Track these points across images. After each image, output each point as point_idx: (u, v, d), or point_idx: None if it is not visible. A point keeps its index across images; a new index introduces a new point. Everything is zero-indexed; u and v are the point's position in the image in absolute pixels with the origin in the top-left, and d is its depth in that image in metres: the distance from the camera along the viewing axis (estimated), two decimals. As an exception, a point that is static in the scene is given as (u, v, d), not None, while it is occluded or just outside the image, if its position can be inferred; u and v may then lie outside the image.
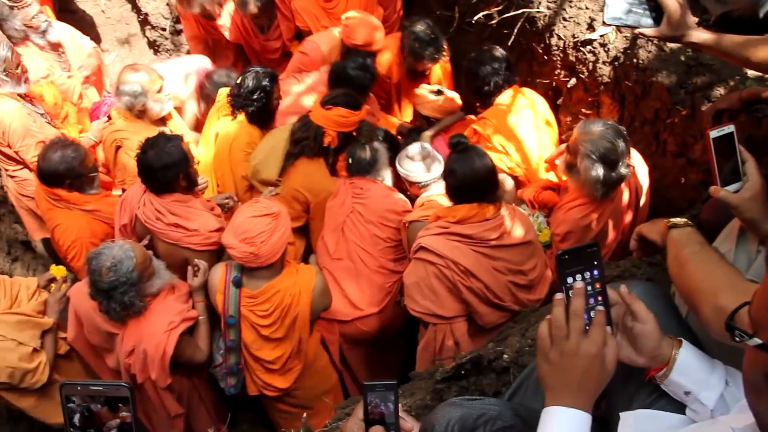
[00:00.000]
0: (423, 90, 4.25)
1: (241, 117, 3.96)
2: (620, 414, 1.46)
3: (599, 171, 2.94)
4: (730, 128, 1.67)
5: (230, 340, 3.22)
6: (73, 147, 3.60)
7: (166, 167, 3.25)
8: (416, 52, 4.26)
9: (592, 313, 1.37)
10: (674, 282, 1.65)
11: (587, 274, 1.39)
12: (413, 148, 3.60)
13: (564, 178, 3.33)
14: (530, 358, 2.12)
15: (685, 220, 1.70)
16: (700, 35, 2.05)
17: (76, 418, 1.38)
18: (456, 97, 4.26)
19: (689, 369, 1.43)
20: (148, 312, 3.02)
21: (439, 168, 3.48)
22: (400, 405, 1.59)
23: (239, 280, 3.14)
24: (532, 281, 3.04)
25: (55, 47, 4.80)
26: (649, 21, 2.05)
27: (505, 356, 2.16)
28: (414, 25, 4.30)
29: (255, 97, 3.86)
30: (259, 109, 3.92)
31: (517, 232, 2.99)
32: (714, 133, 1.65)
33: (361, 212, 3.49)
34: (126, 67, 4.09)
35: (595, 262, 1.39)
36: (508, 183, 3.71)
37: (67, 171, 3.55)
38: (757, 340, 0.97)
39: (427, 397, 2.17)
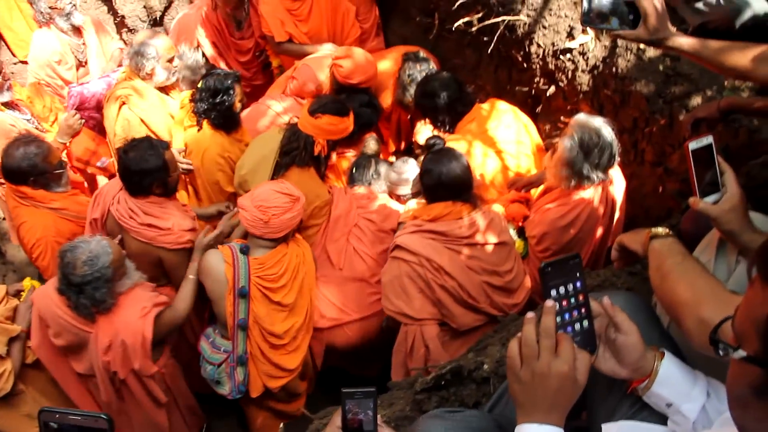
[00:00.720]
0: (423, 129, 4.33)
1: (207, 126, 3.90)
2: (602, 425, 1.45)
3: (573, 153, 2.99)
4: (708, 139, 1.66)
5: (240, 318, 3.17)
6: (36, 143, 3.53)
7: (142, 173, 3.23)
8: (406, 87, 4.26)
9: (577, 326, 1.37)
10: (656, 293, 1.65)
11: (570, 286, 1.38)
12: (402, 163, 3.72)
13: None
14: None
15: (666, 230, 1.69)
16: (679, 40, 2.06)
17: None
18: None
19: (671, 381, 1.43)
20: (117, 307, 2.98)
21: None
22: (379, 415, 1.57)
23: (247, 248, 3.17)
24: (508, 284, 3.05)
25: (78, 32, 4.96)
26: (627, 24, 2.07)
27: (485, 366, 2.14)
28: (412, 62, 4.29)
29: (217, 101, 3.79)
30: (222, 114, 3.84)
31: (492, 232, 3.03)
32: (693, 145, 1.64)
33: (366, 223, 3.55)
34: (146, 31, 4.28)
35: (578, 274, 1.39)
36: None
37: (29, 168, 3.48)
38: (741, 353, 0.96)
39: (407, 408, 2.14)
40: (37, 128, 4.30)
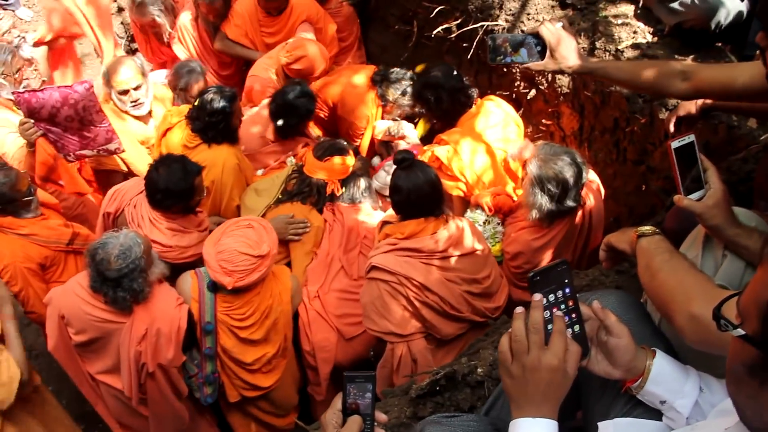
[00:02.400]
0: (382, 123, 4.34)
1: (223, 147, 3.91)
2: (598, 423, 1.46)
3: (539, 199, 2.94)
4: (690, 138, 1.68)
5: (207, 348, 3.14)
6: (4, 171, 3.44)
7: (167, 192, 3.30)
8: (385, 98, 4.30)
9: (569, 331, 1.38)
10: (646, 291, 1.66)
11: (559, 293, 1.40)
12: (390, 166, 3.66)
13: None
14: (504, 370, 2.11)
15: (652, 228, 1.71)
16: (589, 66, 2.15)
17: None
18: (413, 132, 4.36)
19: (664, 379, 1.44)
20: (152, 296, 2.99)
21: None
22: (387, 419, 1.58)
23: (214, 285, 3.09)
24: (487, 289, 3.04)
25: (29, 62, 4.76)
26: (535, 56, 2.13)
27: (479, 370, 2.15)
28: (388, 75, 4.33)
29: (216, 119, 3.79)
30: (221, 132, 3.85)
31: (467, 242, 3.00)
32: (675, 144, 1.66)
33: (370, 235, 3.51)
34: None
35: (566, 280, 1.40)
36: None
37: None
38: (740, 331, 0.99)
39: (402, 415, 2.15)
40: None
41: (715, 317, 1.06)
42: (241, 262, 2.95)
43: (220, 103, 3.76)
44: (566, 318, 1.39)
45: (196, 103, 3.86)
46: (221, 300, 3.10)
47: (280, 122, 4.11)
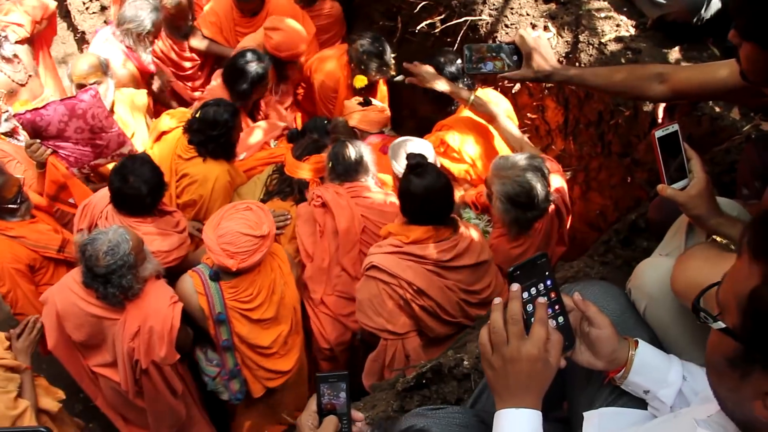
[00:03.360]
0: (351, 101, 4.20)
1: (218, 163, 3.85)
2: (584, 414, 1.46)
3: (511, 213, 2.90)
4: (674, 127, 1.68)
5: (224, 340, 3.14)
6: None
7: (153, 193, 3.28)
8: (363, 63, 4.23)
9: (552, 323, 1.40)
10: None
11: (541, 286, 1.40)
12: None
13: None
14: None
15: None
16: (566, 73, 2.17)
17: None
18: (385, 109, 4.24)
19: (646, 369, 1.45)
20: (145, 293, 2.97)
21: None
22: (363, 416, 1.58)
23: (216, 274, 3.08)
24: (486, 299, 2.99)
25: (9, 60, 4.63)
26: (512, 65, 2.14)
27: (465, 363, 2.15)
28: (361, 38, 4.28)
29: (215, 133, 3.72)
30: (222, 145, 3.81)
31: (472, 253, 2.90)
32: (659, 133, 1.66)
33: (376, 220, 3.34)
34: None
35: (547, 273, 1.41)
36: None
37: None
38: (720, 324, 0.99)
39: (389, 409, 2.14)
40: None
41: (694, 309, 1.07)
42: (243, 243, 2.94)
43: (223, 116, 3.68)
44: (549, 309, 1.40)
45: (197, 115, 3.76)
46: (226, 288, 3.08)
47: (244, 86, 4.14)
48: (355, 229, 3.29)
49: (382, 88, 4.63)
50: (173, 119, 4.00)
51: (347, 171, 3.37)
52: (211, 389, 3.31)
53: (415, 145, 3.42)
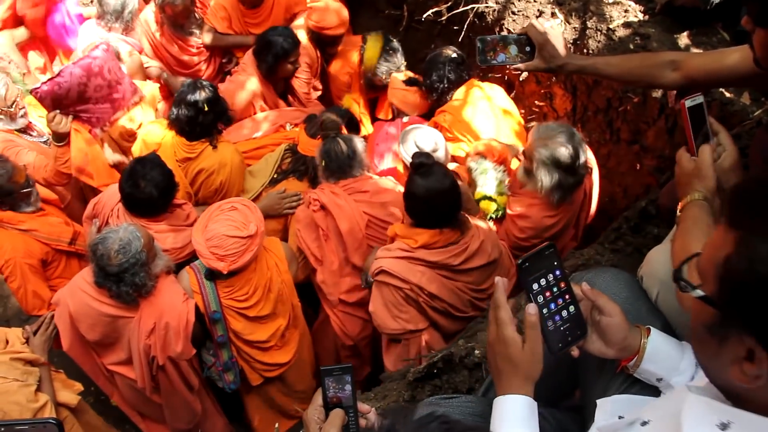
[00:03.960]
0: (398, 76, 4.19)
1: (225, 145, 3.84)
2: (597, 401, 1.46)
3: (555, 176, 2.89)
4: (700, 98, 1.67)
5: (219, 336, 3.15)
6: (0, 164, 3.43)
7: (165, 195, 3.24)
8: (375, 68, 4.25)
9: (564, 312, 1.41)
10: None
11: (550, 276, 1.41)
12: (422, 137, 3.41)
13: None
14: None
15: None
16: (579, 63, 2.15)
17: None
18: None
19: (659, 357, 1.45)
20: (158, 290, 2.97)
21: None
22: (373, 408, 1.58)
23: (211, 273, 3.07)
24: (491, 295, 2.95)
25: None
26: (525, 56, 2.13)
27: (476, 352, 2.15)
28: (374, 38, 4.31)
29: (215, 111, 3.69)
30: (224, 118, 3.80)
31: (482, 254, 2.85)
32: (689, 102, 1.64)
33: (377, 215, 3.29)
34: None
35: (555, 263, 1.42)
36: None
37: None
38: (699, 292, 1.02)
39: (401, 399, 2.15)
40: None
41: (675, 279, 1.10)
42: (231, 245, 2.92)
43: (207, 92, 3.62)
44: (560, 300, 1.41)
45: (181, 110, 3.66)
46: (222, 286, 3.08)
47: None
48: (359, 227, 3.22)
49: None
50: (159, 127, 3.91)
51: (341, 167, 3.28)
52: (206, 376, 3.32)
53: (425, 132, 3.40)
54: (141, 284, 2.86)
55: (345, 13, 4.45)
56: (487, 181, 3.27)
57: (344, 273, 3.30)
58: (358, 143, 3.34)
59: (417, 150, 3.23)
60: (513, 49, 2.14)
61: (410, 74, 4.20)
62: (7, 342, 2.92)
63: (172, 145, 3.75)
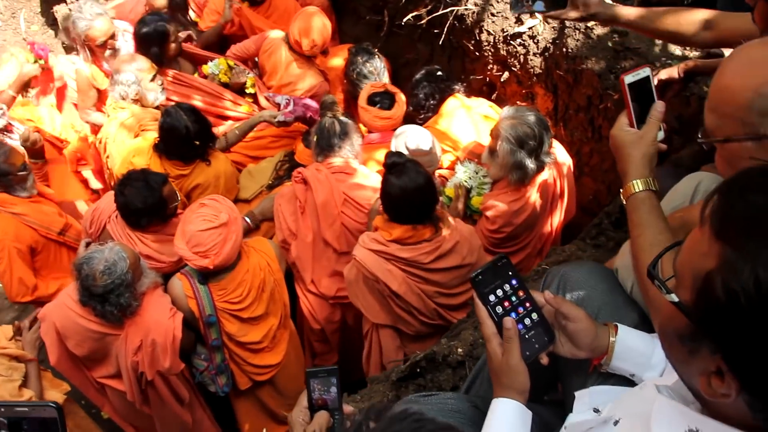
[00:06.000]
0: (364, 95, 4.17)
1: (216, 157, 3.86)
2: (575, 393, 1.46)
3: (517, 155, 2.94)
4: (645, 72, 1.60)
5: (213, 339, 3.15)
6: None
7: (139, 212, 3.24)
8: (356, 82, 4.23)
9: (527, 321, 1.42)
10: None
11: (506, 287, 1.42)
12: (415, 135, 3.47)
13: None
14: (483, 350, 2.12)
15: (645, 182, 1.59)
16: (608, 11, 2.11)
17: None
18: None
19: (629, 354, 1.46)
20: (143, 308, 2.95)
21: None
22: (356, 411, 1.57)
23: (204, 276, 3.08)
24: (463, 302, 2.98)
25: None
26: (556, 4, 2.11)
27: (459, 350, 2.16)
28: (355, 58, 4.29)
29: (199, 130, 3.68)
30: (210, 137, 3.80)
31: (457, 254, 2.90)
32: (628, 78, 1.58)
33: (354, 196, 3.33)
34: (125, 55, 4.16)
35: (510, 273, 1.42)
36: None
37: None
38: (674, 297, 0.97)
39: (385, 399, 2.15)
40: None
41: (649, 275, 1.05)
42: (208, 239, 2.92)
43: (188, 115, 3.62)
44: (520, 308, 1.42)
45: (170, 140, 3.67)
46: (215, 289, 3.09)
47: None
48: (334, 202, 3.29)
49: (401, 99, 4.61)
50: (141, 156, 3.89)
51: (330, 145, 3.35)
52: (198, 381, 3.32)
53: (415, 132, 3.45)
54: (126, 305, 2.84)
55: (327, 31, 4.38)
56: (468, 174, 3.32)
57: (317, 249, 3.37)
58: (353, 128, 3.41)
59: (407, 151, 3.33)
60: None
61: (385, 81, 4.19)
62: None
63: (162, 164, 3.75)
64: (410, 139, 3.41)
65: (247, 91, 4.55)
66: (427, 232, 2.84)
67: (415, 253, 2.83)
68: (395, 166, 2.81)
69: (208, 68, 4.44)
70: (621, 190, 1.62)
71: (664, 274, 1.43)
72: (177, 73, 4.38)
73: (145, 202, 3.20)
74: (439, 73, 3.92)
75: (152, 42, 4.21)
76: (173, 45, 4.31)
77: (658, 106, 1.60)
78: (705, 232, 0.93)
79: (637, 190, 1.56)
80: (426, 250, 2.83)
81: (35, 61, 4.70)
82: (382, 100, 3.88)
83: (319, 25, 4.29)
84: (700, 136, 1.46)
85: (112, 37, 4.37)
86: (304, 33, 4.27)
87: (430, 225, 2.85)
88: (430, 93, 3.88)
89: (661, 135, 1.60)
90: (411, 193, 2.75)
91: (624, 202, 1.61)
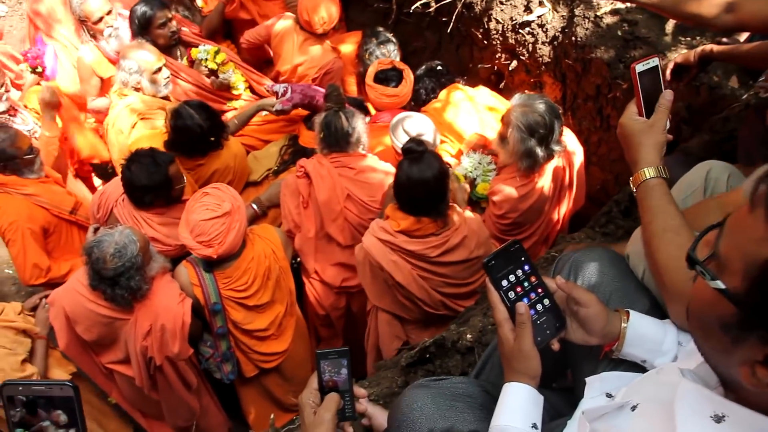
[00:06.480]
0: (371, 71, 4.17)
1: (228, 142, 3.85)
2: (586, 379, 1.47)
3: (527, 143, 2.94)
4: (654, 61, 1.60)
5: (219, 327, 3.16)
6: (3, 129, 3.53)
7: (144, 189, 3.24)
8: (368, 64, 4.21)
9: (538, 306, 1.42)
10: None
11: (519, 272, 1.42)
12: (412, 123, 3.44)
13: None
14: (493, 336, 2.13)
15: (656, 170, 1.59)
16: None
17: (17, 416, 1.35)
18: None
19: (640, 340, 1.45)
20: (153, 292, 2.96)
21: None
22: (367, 396, 1.58)
23: (209, 265, 3.08)
24: (473, 290, 2.97)
25: None
26: None
27: (468, 336, 2.16)
28: (372, 36, 4.34)
29: (199, 134, 3.64)
30: (221, 130, 3.79)
31: (465, 248, 2.86)
32: (639, 67, 1.59)
33: (357, 193, 3.30)
34: (132, 43, 4.17)
35: (523, 258, 1.43)
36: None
37: None
38: (720, 284, 0.91)
39: (394, 385, 2.15)
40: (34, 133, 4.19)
41: (689, 260, 0.99)
42: (212, 228, 2.92)
43: (199, 113, 3.60)
44: (532, 294, 1.42)
45: (175, 128, 3.62)
46: (221, 277, 3.09)
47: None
48: (336, 199, 3.27)
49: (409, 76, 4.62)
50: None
51: (338, 141, 3.31)
52: (203, 368, 3.33)
53: (415, 120, 3.42)
54: (136, 288, 2.85)
55: (335, 6, 4.39)
56: (473, 164, 3.33)
57: (320, 243, 3.38)
58: (359, 121, 3.35)
59: (407, 137, 3.28)
60: None
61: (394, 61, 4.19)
62: (2, 312, 2.95)
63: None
64: (410, 125, 3.39)
65: (235, 92, 4.54)
66: (432, 227, 2.80)
67: (422, 246, 2.81)
68: (411, 152, 2.76)
69: (198, 52, 4.38)
70: (631, 178, 1.62)
71: (671, 258, 1.43)
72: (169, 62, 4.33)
73: (151, 178, 3.21)
74: (440, 67, 3.96)
75: (139, 26, 4.23)
76: (159, 31, 4.27)
77: (667, 95, 1.60)
78: (758, 217, 0.87)
79: (648, 177, 1.55)
80: (433, 244, 2.81)
81: (33, 71, 4.72)
82: (388, 76, 3.87)
83: (327, 1, 4.30)
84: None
85: (109, 13, 4.37)
86: (312, 10, 4.28)
87: (437, 220, 2.80)
88: (432, 88, 3.94)
89: (667, 125, 1.61)
90: (418, 183, 2.71)
91: (634, 191, 1.60)
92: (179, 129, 3.59)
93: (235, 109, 4.45)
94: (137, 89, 4.01)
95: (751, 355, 0.89)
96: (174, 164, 3.31)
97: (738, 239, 0.91)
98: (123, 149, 3.77)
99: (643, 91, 1.60)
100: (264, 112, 4.18)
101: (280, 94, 3.90)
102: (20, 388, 1.34)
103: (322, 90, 3.83)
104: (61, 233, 3.71)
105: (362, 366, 3.28)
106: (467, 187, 3.26)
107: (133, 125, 3.97)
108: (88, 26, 4.42)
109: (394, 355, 2.88)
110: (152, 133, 3.83)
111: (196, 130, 3.58)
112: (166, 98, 4.14)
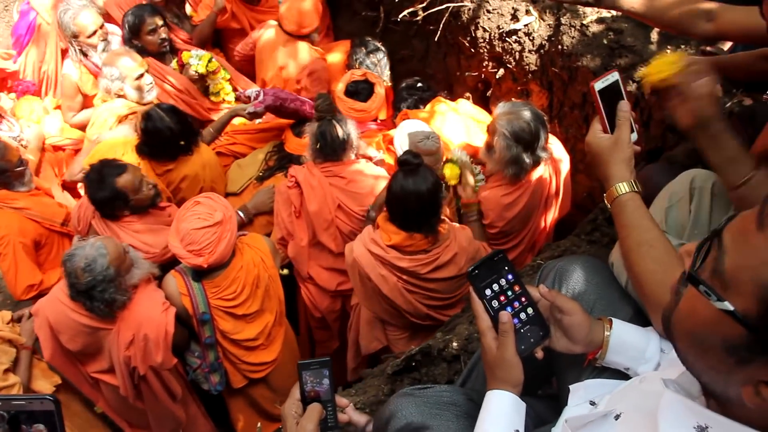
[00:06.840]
0: (340, 86, 4.19)
1: (199, 149, 3.83)
2: (570, 386, 1.47)
3: (513, 150, 2.95)
4: (614, 76, 1.61)
5: (207, 337, 3.14)
6: None
7: (100, 202, 3.24)
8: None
9: (522, 315, 1.43)
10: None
11: (502, 281, 1.43)
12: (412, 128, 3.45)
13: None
14: (479, 344, 2.12)
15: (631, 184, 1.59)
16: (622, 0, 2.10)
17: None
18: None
19: (623, 348, 1.46)
20: (135, 302, 2.94)
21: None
22: (351, 403, 1.58)
23: (198, 274, 3.06)
24: (458, 301, 2.99)
25: None
26: None
27: (454, 344, 2.16)
28: (361, 46, 4.37)
29: (181, 129, 3.63)
30: (193, 133, 3.77)
31: (455, 266, 2.86)
32: (598, 85, 1.59)
33: (348, 203, 3.32)
34: (119, 49, 4.20)
35: (506, 268, 1.44)
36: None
37: None
38: (728, 306, 0.87)
39: (380, 393, 2.15)
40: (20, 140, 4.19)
41: (693, 280, 0.95)
42: (203, 238, 2.91)
43: (170, 117, 3.58)
44: (516, 303, 1.43)
45: (145, 131, 3.60)
46: (209, 287, 3.07)
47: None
48: (328, 209, 3.29)
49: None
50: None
51: (335, 150, 3.32)
52: (191, 379, 3.31)
53: (418, 126, 3.46)
54: (110, 300, 2.82)
55: (315, 8, 4.43)
56: (463, 153, 3.32)
57: (313, 251, 3.39)
58: (352, 127, 3.37)
59: (418, 137, 3.30)
60: None
61: (385, 74, 4.21)
62: None
63: (146, 164, 3.72)
64: (407, 127, 3.41)
65: (214, 99, 4.53)
66: (424, 243, 2.80)
67: (412, 263, 2.81)
68: (407, 164, 2.73)
69: (189, 56, 4.34)
70: (604, 194, 1.63)
71: (649, 272, 1.44)
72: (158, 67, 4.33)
73: (98, 194, 3.19)
74: (420, 84, 4.01)
75: (129, 32, 4.26)
76: (149, 38, 4.29)
77: (623, 106, 1.61)
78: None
79: (621, 192, 1.57)
80: (424, 261, 2.81)
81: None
82: (359, 89, 3.90)
83: (307, 2, 4.34)
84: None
85: (101, 27, 4.37)
86: (292, 12, 4.33)
87: (428, 236, 2.79)
88: (413, 104, 3.97)
89: (634, 136, 1.62)
90: (410, 196, 2.70)
91: (609, 206, 1.62)
92: (149, 131, 3.57)
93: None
94: (120, 96, 4.00)
95: (756, 376, 0.88)
96: (126, 175, 3.22)
97: (747, 260, 0.87)
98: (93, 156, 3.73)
99: (605, 108, 1.61)
100: (258, 120, 4.17)
101: (252, 98, 3.90)
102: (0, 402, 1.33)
103: (311, 101, 3.82)
104: (52, 245, 3.71)
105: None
106: (471, 179, 3.25)
107: (109, 128, 3.97)
108: (79, 42, 4.40)
109: (379, 360, 2.88)
110: (113, 141, 3.78)
111: (166, 133, 3.56)
112: (151, 104, 4.10)
